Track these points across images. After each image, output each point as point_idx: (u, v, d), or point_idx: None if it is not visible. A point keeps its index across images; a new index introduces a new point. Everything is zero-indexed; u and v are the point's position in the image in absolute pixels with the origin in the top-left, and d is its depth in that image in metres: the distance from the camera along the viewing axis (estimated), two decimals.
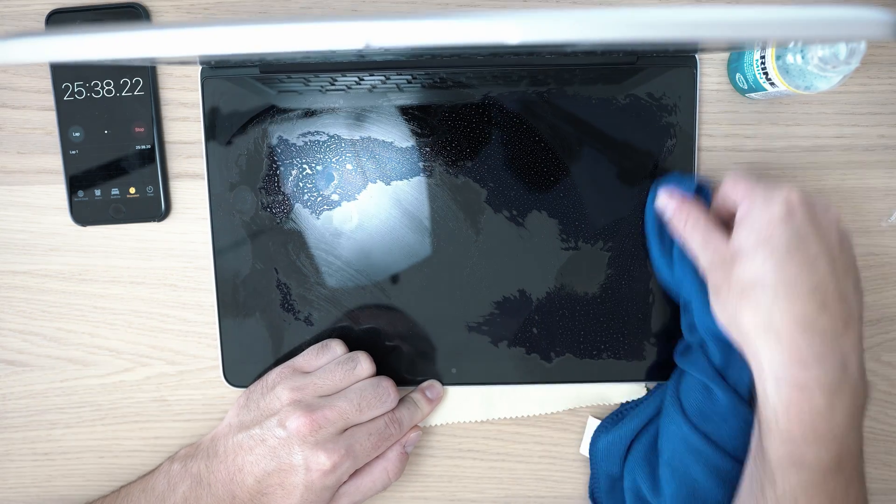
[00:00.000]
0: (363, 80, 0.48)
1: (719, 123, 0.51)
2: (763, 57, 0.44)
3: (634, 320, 0.51)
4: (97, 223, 0.52)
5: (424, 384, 0.52)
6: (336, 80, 0.48)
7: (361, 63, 0.48)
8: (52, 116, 0.51)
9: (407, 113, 0.49)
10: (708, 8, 0.24)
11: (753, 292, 0.39)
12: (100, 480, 0.54)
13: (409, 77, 0.48)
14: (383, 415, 0.49)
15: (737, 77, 0.48)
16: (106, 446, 0.54)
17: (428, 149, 0.50)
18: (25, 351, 0.53)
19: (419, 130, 0.49)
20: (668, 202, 0.47)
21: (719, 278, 0.42)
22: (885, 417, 0.53)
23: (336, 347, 0.50)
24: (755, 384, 0.41)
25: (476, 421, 0.53)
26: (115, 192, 0.51)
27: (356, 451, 0.47)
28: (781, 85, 0.44)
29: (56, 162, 0.51)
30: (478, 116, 0.49)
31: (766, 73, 0.44)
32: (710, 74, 0.50)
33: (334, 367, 0.49)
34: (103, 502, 0.49)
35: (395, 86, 0.49)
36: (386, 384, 0.49)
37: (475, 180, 0.50)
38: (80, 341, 0.53)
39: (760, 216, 0.40)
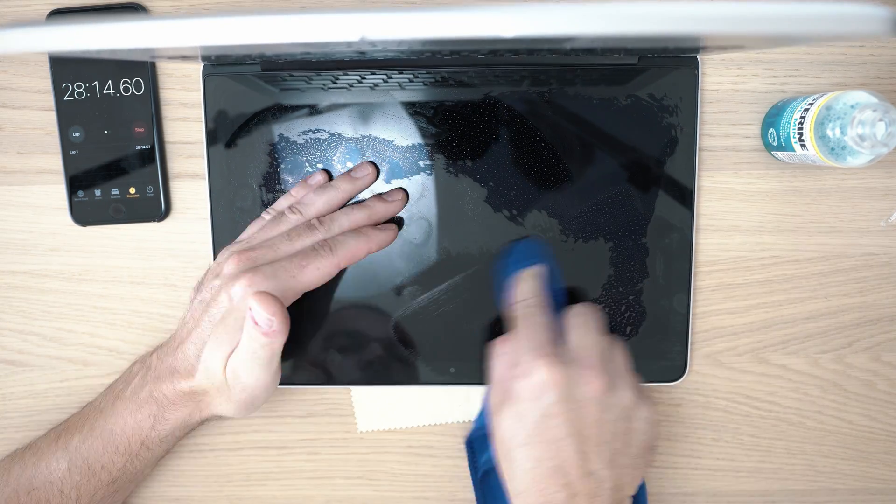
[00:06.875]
0: (365, 78, 0.48)
1: (719, 123, 0.51)
2: (803, 118, 0.44)
3: (635, 320, 0.51)
4: (97, 223, 0.52)
5: (386, 192, 0.50)
6: (338, 79, 0.48)
7: (363, 61, 0.48)
8: (52, 116, 0.51)
9: (408, 112, 0.49)
10: (702, 2, 0.24)
11: (506, 451, 0.41)
12: None
13: (411, 76, 0.49)
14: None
15: (769, 132, 0.48)
16: None
17: (428, 147, 0.50)
18: (25, 351, 0.53)
19: (420, 129, 0.50)
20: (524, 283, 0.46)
21: (493, 402, 0.43)
22: (885, 417, 0.53)
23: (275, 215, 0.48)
24: None
25: None
26: (115, 192, 0.51)
27: (269, 258, 0.44)
28: (812, 149, 0.44)
29: (56, 162, 0.51)
30: (479, 116, 0.49)
31: (800, 135, 0.44)
32: (711, 75, 0.50)
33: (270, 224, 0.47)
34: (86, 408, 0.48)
35: (396, 84, 0.49)
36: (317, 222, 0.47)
37: (475, 179, 0.50)
38: (80, 341, 0.53)
39: (519, 386, 0.41)
